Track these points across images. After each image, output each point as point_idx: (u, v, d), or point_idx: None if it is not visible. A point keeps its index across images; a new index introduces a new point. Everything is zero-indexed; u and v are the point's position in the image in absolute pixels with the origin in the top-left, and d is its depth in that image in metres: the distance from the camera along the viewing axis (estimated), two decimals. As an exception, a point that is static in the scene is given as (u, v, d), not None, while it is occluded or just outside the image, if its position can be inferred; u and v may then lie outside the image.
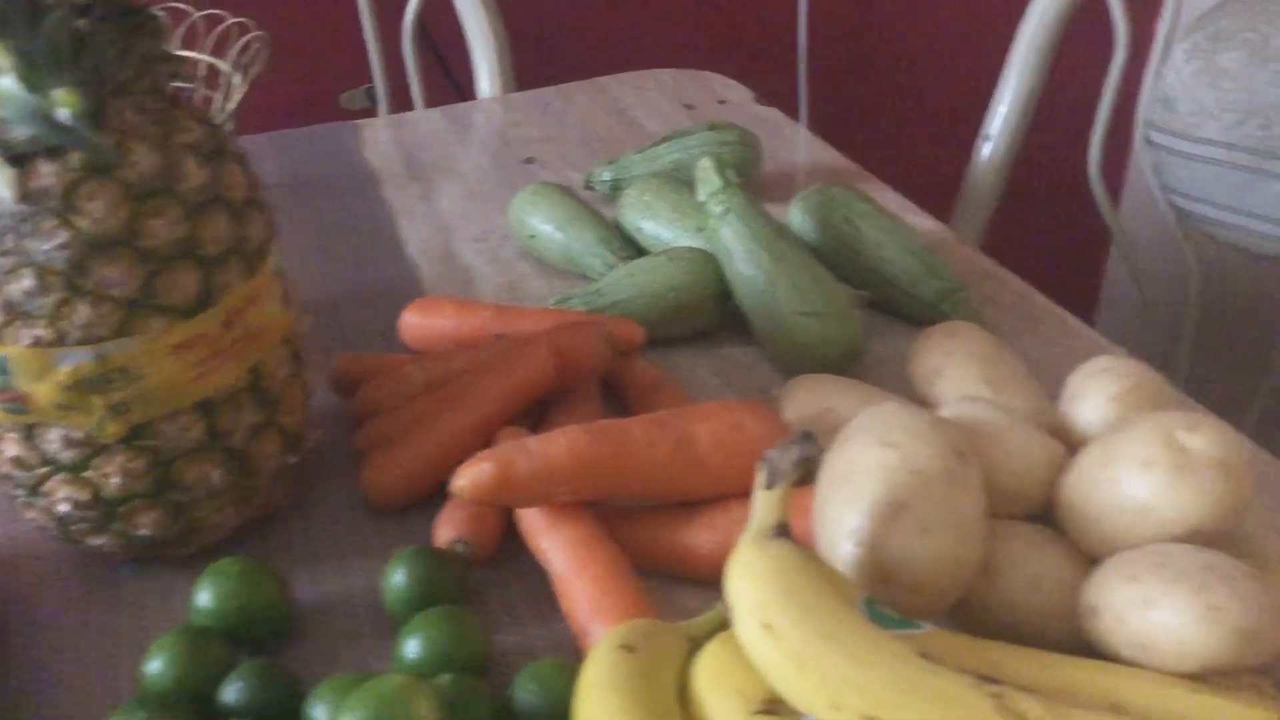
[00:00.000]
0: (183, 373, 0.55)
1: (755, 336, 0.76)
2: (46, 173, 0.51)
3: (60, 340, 0.52)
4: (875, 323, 0.79)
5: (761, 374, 0.75)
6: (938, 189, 1.35)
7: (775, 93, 1.23)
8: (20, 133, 0.51)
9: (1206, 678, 0.44)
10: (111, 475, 0.55)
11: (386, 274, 0.89)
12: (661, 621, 0.50)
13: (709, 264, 0.77)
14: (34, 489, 0.57)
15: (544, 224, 0.86)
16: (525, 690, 0.49)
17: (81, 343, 0.52)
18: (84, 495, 0.56)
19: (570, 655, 0.54)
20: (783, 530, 0.46)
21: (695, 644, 0.48)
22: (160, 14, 0.54)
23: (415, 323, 0.76)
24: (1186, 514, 0.47)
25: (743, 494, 0.55)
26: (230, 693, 0.50)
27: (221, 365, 0.56)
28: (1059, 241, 1.71)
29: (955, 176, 1.34)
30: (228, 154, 0.57)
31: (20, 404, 0.54)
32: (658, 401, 0.68)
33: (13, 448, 0.56)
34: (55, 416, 0.54)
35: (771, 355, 0.75)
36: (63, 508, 0.56)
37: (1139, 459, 0.49)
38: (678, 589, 0.58)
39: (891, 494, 0.49)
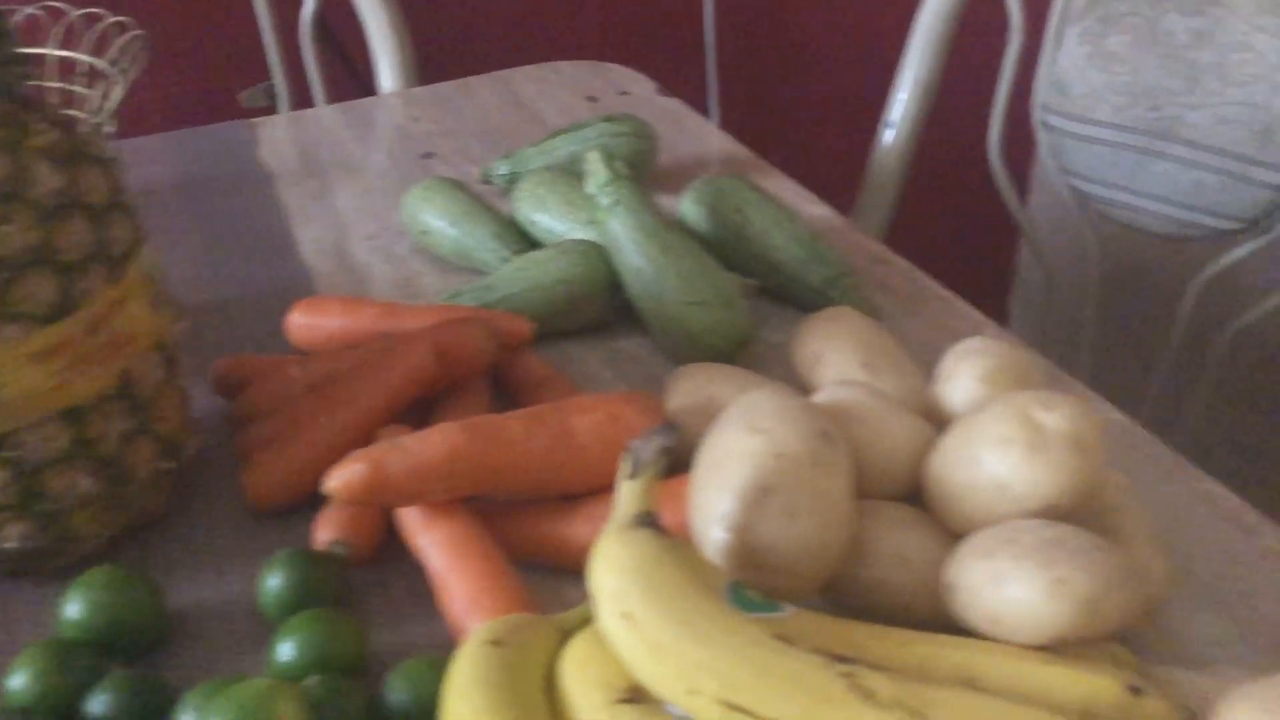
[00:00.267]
0: (43, 381, 0.53)
1: (646, 327, 0.76)
2: (-112, 180, 0.49)
3: (-91, 351, 0.51)
4: (765, 310, 0.80)
5: (653, 365, 0.76)
6: (847, 177, 1.37)
7: (685, 84, 1.23)
8: None
9: (1060, 649, 0.45)
10: (-28, 488, 0.54)
11: (278, 275, 0.88)
12: (533, 615, 0.50)
13: (599, 256, 0.77)
14: (-106, 505, 0.55)
15: (437, 220, 0.86)
16: (396, 690, 0.49)
17: (-68, 353, 0.51)
18: (-55, 509, 0.54)
19: (450, 653, 0.53)
20: (645, 519, 0.46)
21: (567, 636, 0.49)
22: (4, 13, 0.52)
23: (302, 323, 0.75)
24: (1041, 490, 0.48)
25: (620, 485, 0.56)
26: (96, 704, 0.49)
27: (86, 372, 0.55)
28: (970, 225, 1.74)
29: (864, 164, 1.35)
30: (87, 157, 0.56)
31: (-128, 418, 0.52)
32: (544, 396, 0.68)
33: None
34: (-90, 430, 0.52)
35: (662, 346, 0.76)
36: (-76, 523, 0.55)
37: (996, 437, 0.50)
38: (560, 581, 0.58)
39: (759, 479, 0.50)
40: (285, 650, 0.51)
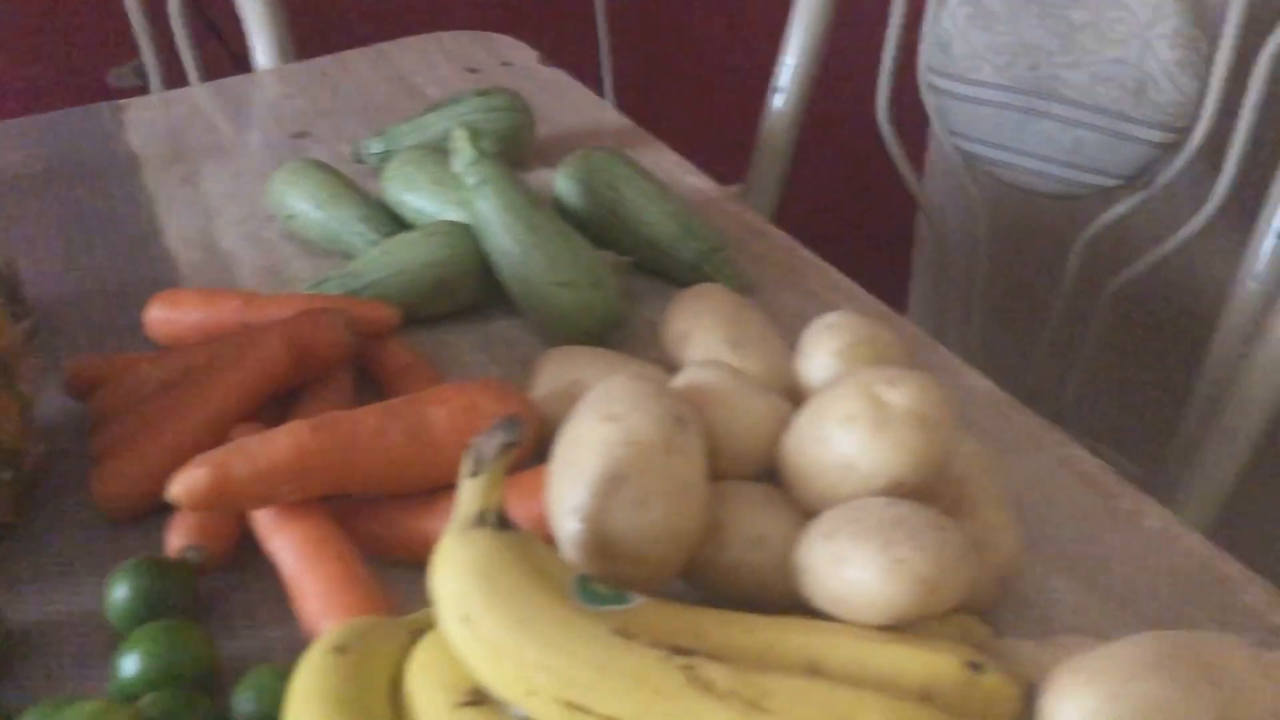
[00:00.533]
0: None
1: (518, 309, 0.75)
2: None
3: None
4: (639, 287, 0.79)
5: (526, 347, 0.75)
6: (742, 144, 1.36)
7: (576, 54, 1.21)
8: None
9: (905, 627, 0.45)
10: None
11: (142, 266, 0.85)
12: (384, 617, 0.49)
13: (468, 238, 0.75)
14: None
15: (303, 203, 0.83)
16: (243, 700, 0.47)
17: None
18: None
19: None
20: (486, 518, 0.45)
21: (418, 636, 0.48)
22: None
23: (161, 317, 0.72)
24: (886, 468, 0.48)
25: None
26: (-77, 733, 0.47)
27: (-92, 384, 0.52)
28: (871, 190, 1.75)
29: (755, 132, 1.34)
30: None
31: None
32: (408, 384, 0.66)
33: None
34: None
35: (534, 327, 0.74)
36: None
37: (842, 416, 0.50)
38: (419, 577, 0.56)
39: (610, 468, 0.49)
40: (128, 665, 0.49)
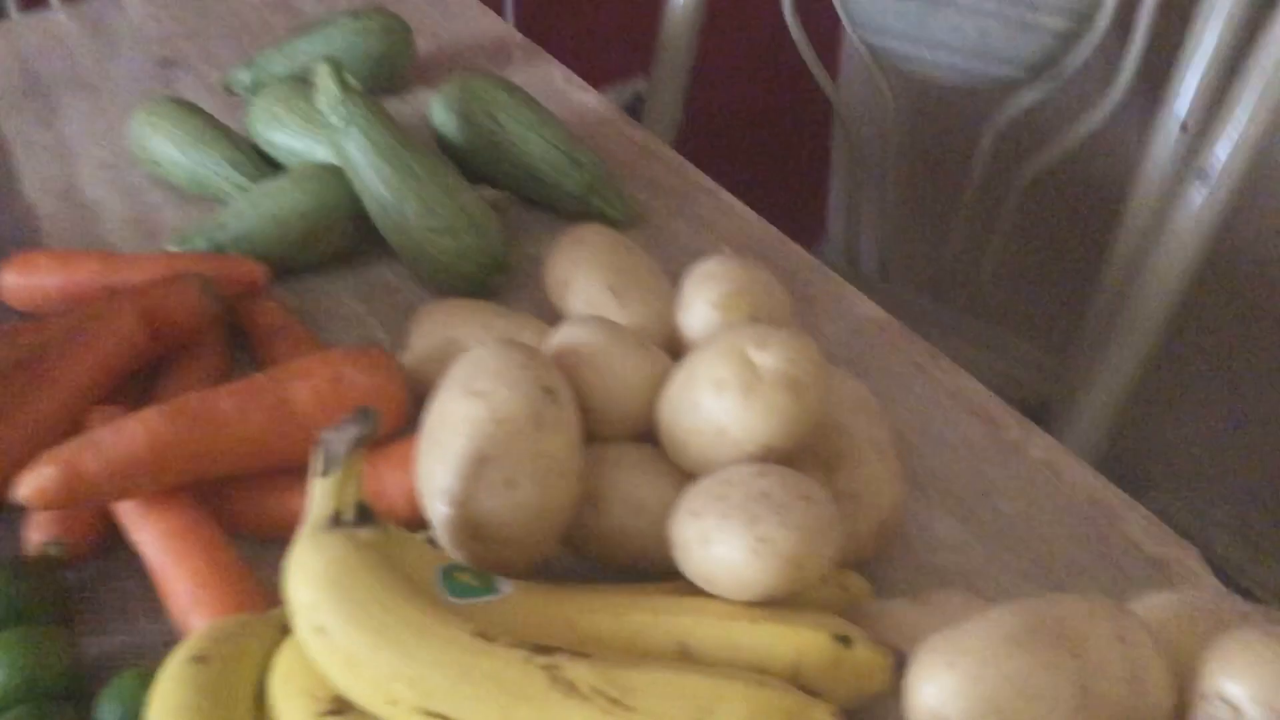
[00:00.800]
0: None
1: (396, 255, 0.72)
2: None
3: None
4: (525, 220, 0.77)
5: (408, 293, 0.72)
6: (643, 51, 1.31)
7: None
8: None
9: (775, 602, 0.44)
10: None
11: (-2, 220, 0.80)
12: (251, 615, 0.48)
13: (338, 182, 0.72)
14: None
15: (166, 147, 0.78)
16: (107, 710, 0.46)
17: None
18: None
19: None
20: (341, 518, 0.43)
21: (288, 633, 0.46)
22: None
23: (17, 284, 0.68)
24: (757, 434, 0.47)
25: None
26: None
27: None
28: (780, 88, 1.70)
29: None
30: None
31: None
32: (281, 345, 0.64)
33: None
34: None
35: (414, 274, 0.72)
36: None
37: (713, 381, 0.48)
38: (297, 557, 0.55)
39: (476, 448, 0.47)
40: (-15, 679, 0.47)
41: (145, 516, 0.52)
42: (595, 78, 0.96)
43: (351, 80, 0.71)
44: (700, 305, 0.56)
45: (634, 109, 1.25)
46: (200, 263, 0.67)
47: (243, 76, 0.88)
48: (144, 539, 0.52)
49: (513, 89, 0.78)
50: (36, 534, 0.54)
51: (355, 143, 0.69)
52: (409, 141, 0.70)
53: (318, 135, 0.76)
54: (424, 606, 0.41)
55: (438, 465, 0.48)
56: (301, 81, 0.80)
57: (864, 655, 0.43)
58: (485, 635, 0.40)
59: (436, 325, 0.62)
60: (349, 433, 0.44)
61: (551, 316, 0.64)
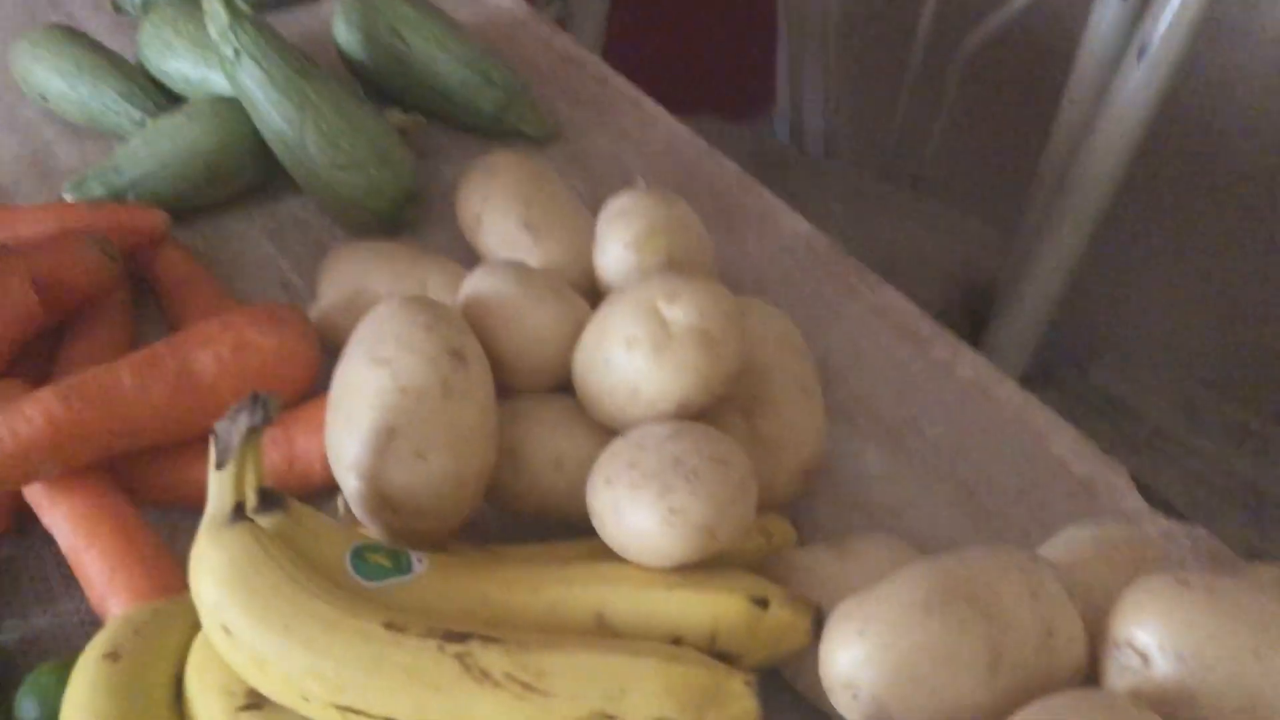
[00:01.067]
0: None
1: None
2: None
3: None
4: (439, 141, 0.73)
5: (321, 230, 0.69)
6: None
7: None
8: None
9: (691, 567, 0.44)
10: None
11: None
12: (168, 602, 0.47)
13: (237, 115, 0.68)
14: None
15: (54, 80, 0.74)
16: (26, 704, 0.45)
17: None
18: None
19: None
20: (242, 511, 0.42)
21: (205, 617, 0.46)
22: None
23: (-98, 242, 0.65)
24: (670, 392, 0.46)
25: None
26: None
27: None
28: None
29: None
30: None
31: None
32: (189, 298, 0.61)
33: None
34: None
35: (324, 209, 0.69)
36: None
37: (623, 338, 0.47)
38: (216, 526, 0.54)
39: (383, 420, 0.46)
40: (-100, 679, 0.46)
41: (53, 499, 0.51)
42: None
43: (240, 3, 0.66)
44: (614, 246, 0.54)
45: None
46: (96, 214, 0.63)
47: (132, -8, 0.83)
48: (54, 522, 0.51)
49: (416, 1, 0.74)
50: (-56, 519, 0.52)
51: (249, 74, 0.66)
52: (308, 69, 0.66)
53: (213, 63, 0.72)
54: (332, 598, 0.40)
55: (345, 437, 0.47)
56: (189, 1, 0.75)
57: (781, 616, 0.43)
58: (395, 625, 0.40)
59: (346, 274, 0.60)
60: (241, 422, 0.42)
61: (470, 250, 0.62)
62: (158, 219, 0.64)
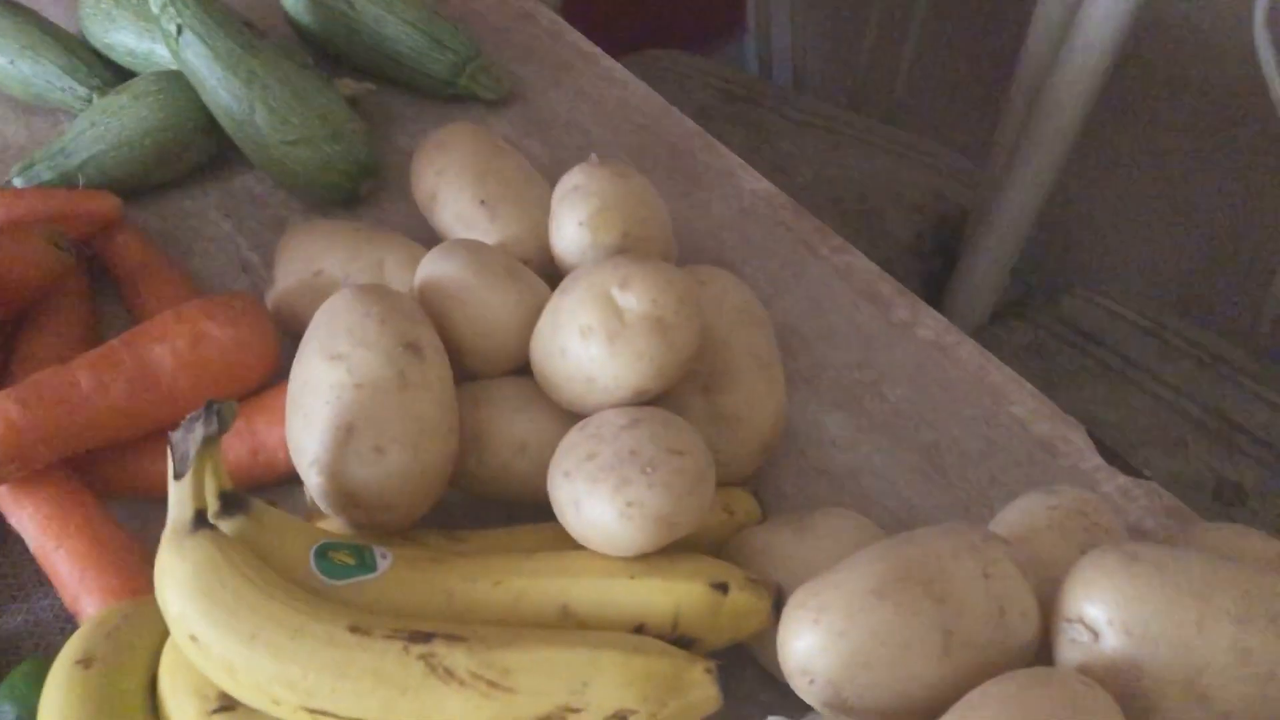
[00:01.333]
0: None
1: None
2: None
3: None
4: (394, 108, 0.72)
5: (277, 205, 0.68)
6: None
7: None
8: None
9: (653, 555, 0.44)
10: None
11: None
12: (141, 602, 0.47)
13: (184, 92, 0.66)
14: None
15: (-5, 57, 0.72)
16: (2, 710, 0.46)
17: None
18: None
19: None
20: (203, 519, 0.42)
21: (175, 618, 0.46)
22: None
23: None
24: (626, 381, 0.46)
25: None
26: None
27: None
28: None
29: None
30: None
31: None
32: (147, 285, 0.61)
33: None
34: None
35: (279, 184, 0.68)
36: None
37: (578, 327, 0.47)
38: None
39: (340, 417, 0.46)
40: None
41: (19, 500, 0.51)
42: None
43: (181, -25, 0.65)
44: (569, 225, 0.54)
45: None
46: (48, 201, 0.62)
47: (72, -41, 0.80)
48: (21, 523, 0.51)
49: (359, -38, 0.72)
50: (-88, 523, 0.53)
51: (192, 50, 0.64)
52: (254, 43, 0.65)
53: (157, 35, 0.70)
54: (297, 603, 0.41)
55: (305, 435, 0.47)
56: (131, -31, 0.73)
57: (741, 600, 0.43)
58: (360, 628, 0.40)
59: (301, 256, 0.59)
60: (197, 432, 0.42)
61: (428, 224, 0.61)
62: (109, 204, 0.63)
